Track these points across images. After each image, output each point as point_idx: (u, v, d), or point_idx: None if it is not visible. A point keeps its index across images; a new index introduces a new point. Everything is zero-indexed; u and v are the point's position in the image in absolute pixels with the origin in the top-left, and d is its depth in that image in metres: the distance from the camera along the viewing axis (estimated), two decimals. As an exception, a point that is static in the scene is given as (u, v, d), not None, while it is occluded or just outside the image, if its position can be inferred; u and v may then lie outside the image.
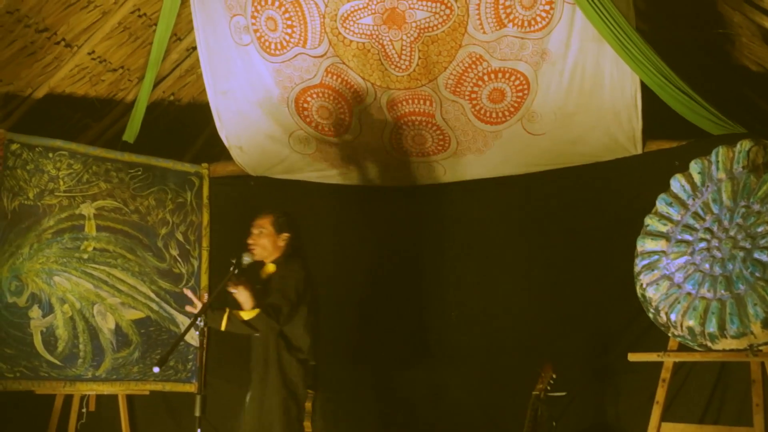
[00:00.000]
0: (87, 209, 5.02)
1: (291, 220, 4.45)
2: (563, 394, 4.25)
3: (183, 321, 5.21)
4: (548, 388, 4.21)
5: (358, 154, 5.20)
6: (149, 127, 5.35)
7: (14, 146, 4.79)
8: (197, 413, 3.75)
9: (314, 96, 4.98)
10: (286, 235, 4.38)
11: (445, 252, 5.19)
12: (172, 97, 5.60)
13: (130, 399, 5.16)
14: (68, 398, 4.95)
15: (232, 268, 4.07)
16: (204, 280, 5.36)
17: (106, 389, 4.95)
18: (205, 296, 5.29)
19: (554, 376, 4.23)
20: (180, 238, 5.33)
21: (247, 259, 4.24)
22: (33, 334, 4.67)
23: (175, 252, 5.29)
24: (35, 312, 4.71)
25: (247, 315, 4.10)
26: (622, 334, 4.62)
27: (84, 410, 5.03)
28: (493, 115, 4.82)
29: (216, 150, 5.61)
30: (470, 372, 4.96)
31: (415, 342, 5.15)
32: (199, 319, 3.92)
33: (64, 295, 4.85)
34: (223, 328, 4.13)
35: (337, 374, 5.12)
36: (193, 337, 5.10)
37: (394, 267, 5.28)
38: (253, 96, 5.05)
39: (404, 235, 5.31)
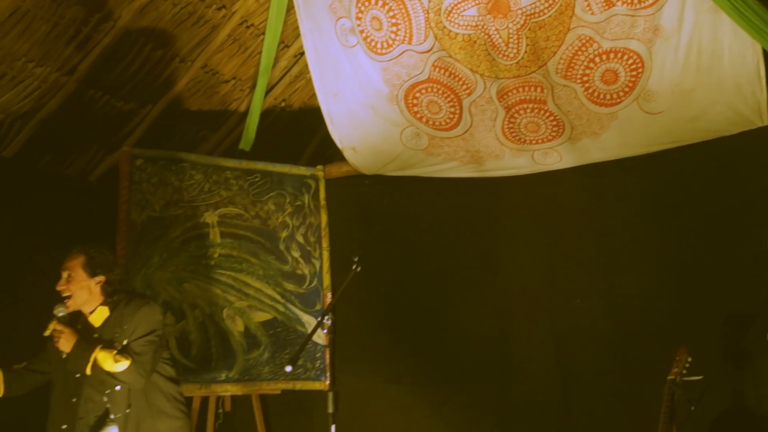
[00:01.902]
0: (210, 217, 5.18)
1: (107, 258, 3.83)
2: (700, 378, 4.11)
3: (308, 321, 5.34)
4: (684, 372, 4.07)
5: (470, 146, 5.17)
6: (263, 134, 5.49)
7: (139, 161, 4.99)
8: (330, 410, 3.82)
9: (423, 91, 4.99)
10: (101, 278, 3.76)
11: (566, 238, 5.09)
12: (283, 104, 5.71)
13: (263, 398, 5.31)
14: (205, 400, 5.12)
15: (354, 266, 4.08)
16: (326, 279, 5.46)
17: (239, 390, 5.11)
18: (329, 296, 5.41)
19: (690, 359, 4.10)
20: (300, 240, 5.45)
21: (61, 312, 3.68)
22: (168, 340, 4.82)
23: (296, 254, 5.41)
24: (169, 319, 4.87)
25: (113, 366, 3.59)
26: (759, 314, 4.42)
27: (221, 411, 5.19)
28: (608, 96, 4.71)
29: (329, 152, 5.70)
30: (600, 358, 4.86)
31: (542, 327, 5.09)
32: (326, 317, 3.98)
33: (194, 301, 5.02)
34: (89, 372, 3.61)
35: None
36: (320, 336, 5.20)
37: (514, 256, 5.22)
38: (363, 96, 5.10)
39: (522, 224, 5.24)
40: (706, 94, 4.51)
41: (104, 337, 3.70)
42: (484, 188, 5.33)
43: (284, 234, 5.40)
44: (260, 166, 5.41)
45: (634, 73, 4.57)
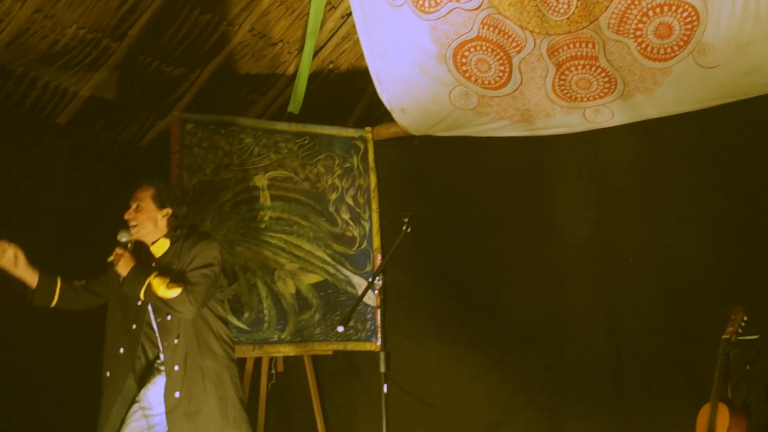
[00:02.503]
0: (260, 180, 5.22)
1: (175, 193, 3.95)
2: (756, 337, 4.05)
3: (359, 282, 5.37)
4: (739, 331, 4.01)
5: (520, 105, 5.09)
6: (311, 96, 5.49)
7: (189, 126, 5.03)
8: (382, 369, 3.84)
9: (472, 50, 4.93)
10: (168, 210, 3.85)
11: (618, 197, 5.01)
12: (331, 66, 5.69)
13: (315, 359, 5.38)
14: (258, 361, 5.20)
15: (404, 227, 4.06)
16: (376, 241, 5.48)
17: (291, 351, 5.18)
18: (379, 257, 5.43)
19: (745, 318, 4.03)
20: (350, 202, 5.47)
21: (124, 238, 3.79)
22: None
23: (346, 216, 5.43)
24: (222, 281, 4.93)
25: (166, 293, 3.64)
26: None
27: (273, 371, 5.28)
28: (661, 51, 4.59)
29: (378, 113, 5.68)
30: (654, 317, 4.80)
31: (594, 286, 5.05)
32: (377, 279, 3.99)
33: (246, 263, 5.08)
34: (142, 296, 3.70)
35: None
36: (370, 298, 5.24)
37: (565, 215, 5.16)
38: (411, 56, 5.04)
39: (574, 183, 5.17)
40: (763, 47, 4.36)
41: (162, 267, 3.78)
42: (534, 147, 5.25)
43: (334, 196, 5.42)
44: (309, 128, 5.42)
45: (689, 26, 4.44)
